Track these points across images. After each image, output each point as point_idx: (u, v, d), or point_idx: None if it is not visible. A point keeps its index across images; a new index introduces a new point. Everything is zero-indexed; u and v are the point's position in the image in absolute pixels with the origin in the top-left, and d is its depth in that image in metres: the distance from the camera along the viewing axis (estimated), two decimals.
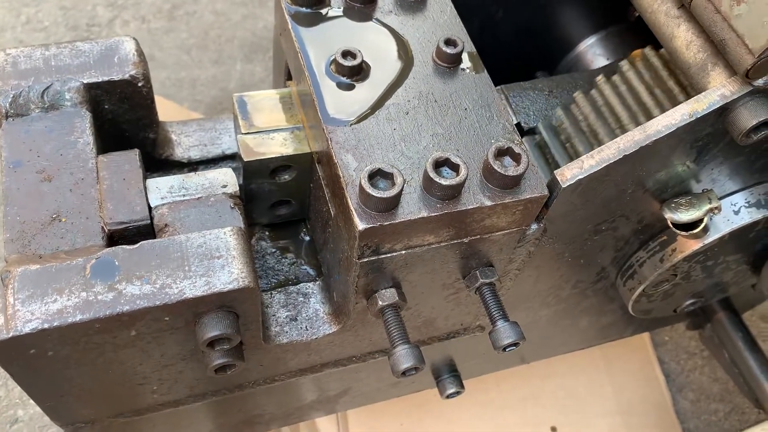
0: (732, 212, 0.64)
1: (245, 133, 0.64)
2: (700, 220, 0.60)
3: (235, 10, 1.49)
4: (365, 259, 0.54)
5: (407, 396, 0.95)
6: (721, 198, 0.65)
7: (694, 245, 0.64)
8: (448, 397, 0.86)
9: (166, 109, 1.19)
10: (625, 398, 1.08)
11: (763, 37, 0.46)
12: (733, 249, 0.68)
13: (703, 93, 0.51)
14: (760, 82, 0.49)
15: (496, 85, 0.66)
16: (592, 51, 0.82)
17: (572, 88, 0.68)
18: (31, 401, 0.94)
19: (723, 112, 0.51)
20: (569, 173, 0.54)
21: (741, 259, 0.71)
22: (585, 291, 0.75)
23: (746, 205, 0.64)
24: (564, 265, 0.67)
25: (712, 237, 0.63)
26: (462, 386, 0.85)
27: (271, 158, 0.63)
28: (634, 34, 0.80)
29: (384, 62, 0.61)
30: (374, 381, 0.79)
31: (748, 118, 0.50)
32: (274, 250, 0.71)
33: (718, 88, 0.50)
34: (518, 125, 0.71)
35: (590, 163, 0.53)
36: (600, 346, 1.07)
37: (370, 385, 0.81)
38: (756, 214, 0.63)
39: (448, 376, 0.85)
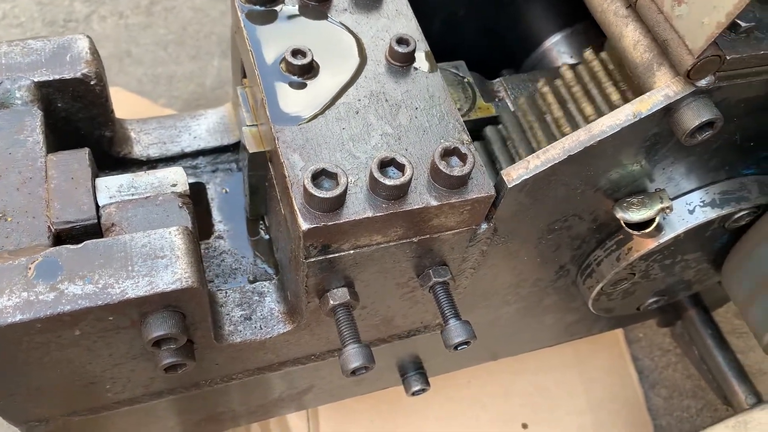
0: (687, 211, 0.64)
1: (250, 125, 0.64)
2: (653, 220, 0.60)
3: (213, 5, 1.49)
4: (312, 259, 0.54)
5: (379, 393, 0.95)
6: (676, 197, 0.65)
7: (650, 244, 0.64)
8: (413, 394, 0.86)
9: (140, 107, 1.19)
10: (597, 395, 1.09)
11: (702, 38, 0.46)
12: (691, 247, 0.68)
13: (647, 93, 0.51)
14: (702, 82, 0.49)
15: None
16: (557, 49, 0.82)
17: (525, 88, 0.68)
18: None
19: (667, 113, 0.51)
20: (515, 173, 0.54)
21: (701, 258, 0.72)
22: (546, 289, 0.75)
23: (701, 204, 0.64)
24: (520, 263, 0.67)
25: (667, 236, 0.63)
26: (427, 383, 0.86)
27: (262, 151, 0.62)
28: (600, 31, 0.80)
29: (337, 61, 0.61)
30: (336, 379, 0.79)
31: (691, 118, 0.50)
32: (232, 247, 0.71)
33: (663, 89, 0.50)
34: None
35: (536, 163, 0.53)
36: (572, 342, 1.07)
37: (333, 383, 0.81)
38: (710, 214, 0.63)
39: (414, 374, 0.85)
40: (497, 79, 0.68)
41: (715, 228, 0.66)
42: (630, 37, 0.54)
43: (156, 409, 0.71)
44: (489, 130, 0.66)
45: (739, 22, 0.47)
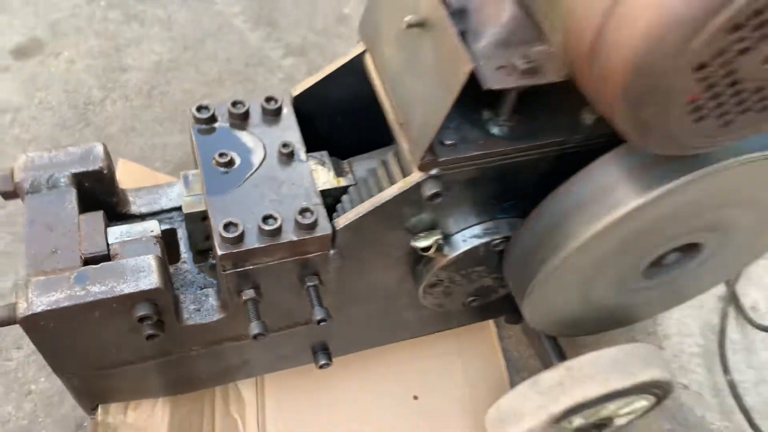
0: (462, 240, 1.05)
1: (186, 196, 1.07)
2: (431, 246, 1.01)
3: (199, 89, 1.93)
4: (228, 272, 0.95)
5: (312, 371, 1.35)
6: (459, 231, 1.05)
7: (441, 261, 1.05)
8: (320, 367, 1.26)
9: (138, 174, 1.62)
10: (472, 376, 1.47)
11: (419, 152, 0.88)
12: (474, 262, 1.09)
13: (408, 177, 0.93)
14: (432, 172, 0.91)
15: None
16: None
17: (366, 166, 1.10)
18: (41, 378, 1.36)
19: (418, 187, 0.93)
20: (342, 221, 0.95)
21: (487, 270, 1.12)
22: (394, 292, 1.16)
23: (471, 236, 1.04)
24: (368, 275, 1.08)
25: (450, 255, 1.04)
26: (330, 359, 1.26)
27: (198, 211, 1.04)
28: None
29: (250, 157, 1.03)
30: (264, 354, 1.20)
31: (426, 191, 0.91)
32: (192, 269, 1.12)
33: (414, 175, 0.92)
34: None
35: (352, 214, 0.95)
36: (455, 333, 1.47)
37: (263, 357, 1.22)
38: (476, 242, 1.04)
39: (321, 353, 1.26)
40: (345, 161, 1.10)
41: (485, 250, 1.06)
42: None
43: (147, 370, 1.12)
44: (344, 197, 1.07)
45: (443, 141, 0.89)
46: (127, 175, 1.54)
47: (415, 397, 1.44)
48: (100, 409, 1.18)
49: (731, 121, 0.71)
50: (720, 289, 1.67)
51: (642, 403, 1.26)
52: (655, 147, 0.76)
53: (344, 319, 1.17)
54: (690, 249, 1.06)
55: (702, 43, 0.59)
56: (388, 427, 1.39)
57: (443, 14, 0.81)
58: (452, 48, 0.79)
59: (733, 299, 1.66)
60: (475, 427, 1.39)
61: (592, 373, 1.13)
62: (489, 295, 1.21)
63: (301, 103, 1.09)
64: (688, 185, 0.85)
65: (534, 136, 0.93)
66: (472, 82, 0.81)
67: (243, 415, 1.34)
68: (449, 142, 0.90)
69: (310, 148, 1.06)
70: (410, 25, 0.85)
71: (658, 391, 1.21)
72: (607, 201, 0.89)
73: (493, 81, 0.84)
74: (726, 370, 1.53)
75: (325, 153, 1.08)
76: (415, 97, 0.89)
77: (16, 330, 1.19)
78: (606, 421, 1.27)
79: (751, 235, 1.10)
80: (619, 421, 1.33)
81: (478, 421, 1.36)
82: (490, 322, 1.53)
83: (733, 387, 1.50)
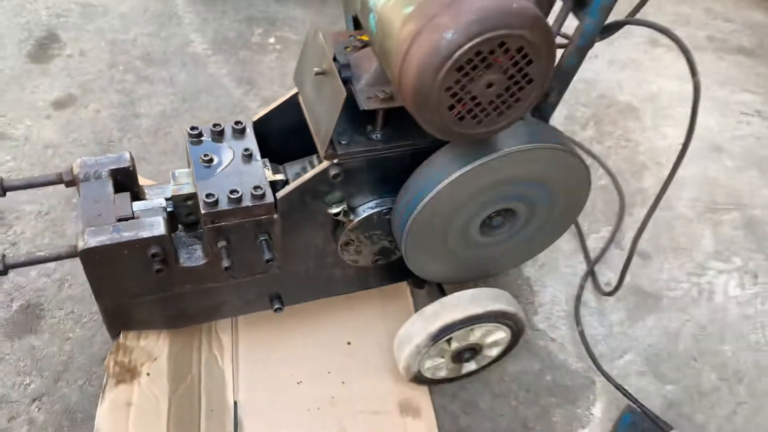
0: (361, 210, 1.61)
1: (173, 185, 1.64)
2: (339, 213, 1.57)
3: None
4: (208, 226, 1.51)
5: (271, 321, 1.89)
6: (362, 204, 1.62)
7: (348, 225, 1.61)
8: (275, 310, 1.79)
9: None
10: (391, 326, 2.00)
11: (323, 147, 1.45)
12: (372, 227, 1.64)
13: (321, 164, 1.50)
14: (334, 161, 1.48)
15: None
16: None
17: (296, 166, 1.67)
18: (77, 329, 1.89)
19: (326, 170, 1.50)
20: (281, 193, 1.51)
21: (383, 234, 1.68)
22: (323, 250, 1.71)
23: (369, 207, 1.61)
24: (303, 235, 1.64)
25: (354, 221, 1.60)
26: (282, 305, 1.80)
27: (181, 194, 1.61)
28: None
29: (223, 158, 1.60)
30: (235, 298, 1.75)
31: (330, 173, 1.48)
32: (185, 236, 1.68)
33: (324, 163, 1.49)
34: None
35: (288, 188, 1.51)
36: (380, 295, 2.01)
37: (234, 300, 1.76)
38: (369, 212, 1.60)
39: (276, 300, 1.80)
40: (281, 165, 1.68)
41: (377, 217, 1.62)
42: None
43: (153, 303, 1.65)
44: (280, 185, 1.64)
45: (340, 141, 1.47)
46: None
47: (349, 343, 1.96)
48: (121, 336, 1.71)
49: (481, 121, 1.29)
50: (583, 270, 2.23)
51: (501, 334, 1.80)
52: (442, 137, 1.33)
53: (290, 273, 1.72)
54: (509, 214, 1.63)
55: (443, 76, 1.17)
56: (327, 363, 1.91)
57: (334, 67, 1.40)
58: (337, 86, 1.38)
59: (592, 276, 2.21)
60: (391, 362, 1.91)
61: (456, 304, 1.68)
62: (389, 255, 1.76)
63: (258, 126, 1.67)
64: (487, 164, 1.43)
65: (398, 140, 1.51)
66: (356, 107, 1.40)
67: (221, 352, 1.87)
68: (344, 142, 1.47)
69: (263, 154, 1.63)
70: (317, 73, 1.45)
71: (510, 322, 1.75)
72: (439, 176, 1.46)
73: (365, 105, 1.43)
74: (578, 323, 2.07)
75: (266, 160, 1.65)
76: (321, 116, 1.48)
77: (57, 296, 1.76)
78: (476, 347, 1.80)
79: (551, 209, 1.66)
80: (490, 352, 1.87)
81: (394, 357, 1.89)
82: (407, 289, 2.07)
83: (582, 336, 2.04)
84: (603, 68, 3.04)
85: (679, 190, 2.52)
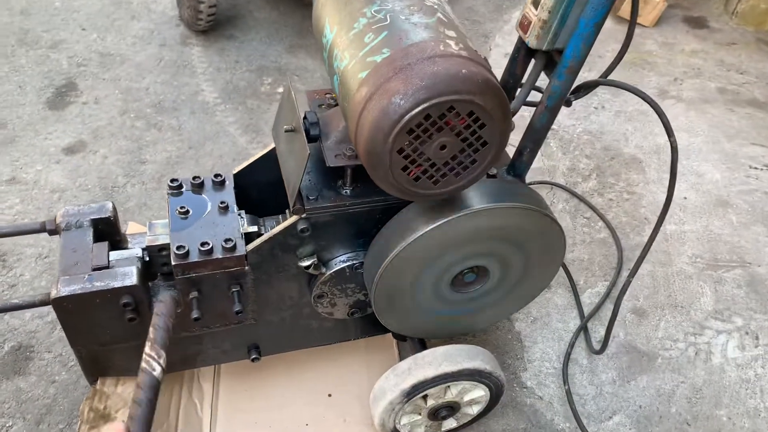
0: (333, 264, 1.62)
1: (149, 236, 1.67)
2: (310, 266, 1.58)
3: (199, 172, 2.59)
4: (179, 277, 1.54)
5: (252, 371, 1.90)
6: (333, 258, 1.63)
7: (320, 278, 1.62)
8: (252, 360, 1.80)
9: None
10: (375, 378, 1.99)
11: (293, 200, 1.48)
12: (345, 281, 1.65)
13: (289, 219, 1.52)
14: (303, 215, 1.50)
15: None
16: None
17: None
18: (63, 372, 1.93)
19: (294, 225, 1.52)
20: (251, 246, 1.54)
21: (357, 287, 1.68)
22: (298, 302, 1.72)
23: (341, 261, 1.62)
24: (276, 287, 1.65)
25: (326, 274, 1.62)
26: (260, 355, 1.80)
27: (156, 245, 1.65)
28: None
29: (200, 210, 1.64)
30: (211, 347, 1.76)
31: (298, 227, 1.50)
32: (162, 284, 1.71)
33: (291, 219, 1.51)
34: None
35: (258, 242, 1.54)
36: (364, 346, 2.00)
37: (210, 350, 1.77)
38: (342, 265, 1.61)
39: (253, 349, 1.81)
40: (261, 218, 1.70)
41: (350, 271, 1.63)
42: None
43: (129, 351, 1.68)
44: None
45: (309, 196, 1.49)
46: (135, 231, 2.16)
47: (329, 395, 1.96)
48: (98, 382, 1.74)
49: (438, 181, 1.30)
50: (577, 326, 2.19)
51: (479, 392, 1.77)
52: (401, 196, 1.34)
53: (265, 323, 1.73)
54: (481, 272, 1.62)
55: (393, 139, 1.19)
56: (305, 415, 1.90)
57: (301, 126, 1.43)
58: (302, 144, 1.41)
59: (584, 333, 2.17)
60: (371, 417, 1.90)
61: (430, 361, 1.67)
62: (365, 308, 1.76)
63: (238, 178, 1.71)
64: (453, 221, 1.43)
65: (368, 195, 1.53)
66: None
67: (201, 399, 1.88)
68: (312, 198, 1.50)
69: (245, 206, 1.67)
70: (287, 131, 1.48)
71: (487, 381, 1.73)
72: (405, 233, 1.47)
73: (332, 161, 1.45)
74: (565, 381, 2.02)
75: (242, 212, 1.68)
76: (291, 171, 1.50)
77: (48, 339, 1.80)
78: (453, 405, 1.77)
79: (525, 268, 1.65)
80: (470, 410, 1.84)
81: None
82: (393, 339, 2.06)
83: (569, 395, 1.99)
84: (609, 120, 3.03)
85: (680, 245, 2.47)
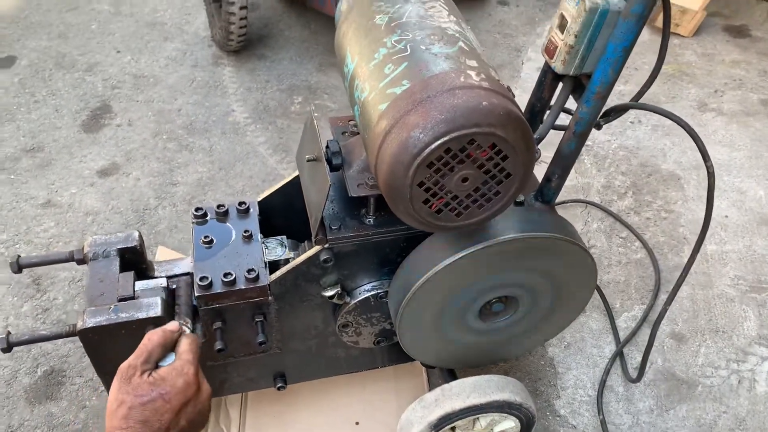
0: (357, 293, 1.60)
1: (156, 267, 1.68)
2: (333, 296, 1.56)
3: (226, 199, 2.60)
4: (203, 308, 1.53)
5: (280, 397, 1.88)
6: (357, 287, 1.61)
7: (344, 307, 1.60)
8: (278, 389, 1.79)
9: (171, 256, 2.26)
10: (403, 406, 1.96)
11: (315, 230, 1.46)
12: (370, 310, 1.62)
13: (312, 248, 1.50)
14: (326, 245, 1.48)
15: None
16: None
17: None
18: (93, 398, 1.94)
19: (317, 254, 1.50)
20: (274, 276, 1.52)
21: (383, 316, 1.66)
22: (323, 331, 1.70)
23: (365, 290, 1.59)
24: (301, 316, 1.64)
25: (350, 303, 1.59)
26: (285, 383, 1.79)
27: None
28: None
29: (224, 238, 1.63)
30: (237, 376, 1.75)
31: (321, 257, 1.48)
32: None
33: (315, 248, 1.49)
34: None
35: (281, 272, 1.52)
36: (393, 373, 1.97)
37: (236, 379, 1.76)
38: (366, 294, 1.59)
39: (279, 378, 1.80)
40: (301, 243, 1.69)
41: (375, 300, 1.60)
42: None
43: None
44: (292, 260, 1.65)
45: (331, 226, 1.47)
46: (164, 257, 2.18)
47: (357, 423, 1.93)
48: None
49: (460, 214, 1.26)
50: (612, 351, 2.12)
51: (509, 423, 1.73)
52: (423, 228, 1.31)
53: (290, 352, 1.72)
54: (510, 302, 1.57)
55: (413, 173, 1.16)
56: None
57: (323, 156, 1.41)
58: (324, 174, 1.39)
59: (620, 359, 2.10)
60: None
61: (458, 392, 1.63)
62: (391, 337, 1.73)
63: (263, 205, 1.70)
64: (479, 252, 1.39)
65: (392, 224, 1.50)
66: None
67: (228, 425, 1.87)
68: (335, 227, 1.48)
69: (275, 233, 1.66)
70: (309, 160, 1.47)
71: (517, 412, 1.68)
72: (429, 262, 1.43)
73: (354, 191, 1.43)
74: (600, 411, 1.96)
75: (284, 237, 1.67)
76: (313, 201, 1.49)
77: (79, 363, 1.81)
78: None
79: (555, 298, 1.60)
80: None
81: None
82: (422, 367, 2.02)
83: (604, 425, 1.93)
84: (646, 135, 2.95)
85: (722, 266, 2.38)
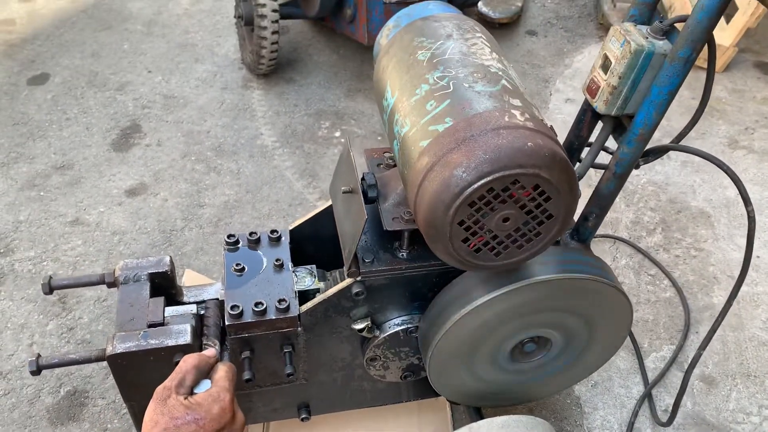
0: (387, 327, 1.58)
1: (185, 292, 1.67)
2: (364, 328, 1.54)
3: (252, 222, 2.61)
4: (232, 337, 1.52)
5: (303, 426, 1.86)
6: (387, 320, 1.59)
7: (373, 341, 1.58)
8: (302, 419, 1.77)
9: (198, 280, 2.26)
10: None
11: (348, 263, 1.45)
12: (399, 344, 1.61)
13: (344, 281, 1.49)
14: (358, 278, 1.47)
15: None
16: None
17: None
18: (115, 420, 1.93)
19: (349, 287, 1.48)
20: (304, 307, 1.51)
21: (412, 351, 1.64)
22: (350, 363, 1.68)
23: (393, 324, 1.58)
24: (328, 348, 1.62)
25: (380, 337, 1.57)
26: (309, 414, 1.77)
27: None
28: None
29: (256, 267, 1.62)
30: (262, 405, 1.73)
31: (352, 290, 1.47)
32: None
33: (347, 281, 1.48)
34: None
35: (312, 303, 1.51)
36: (416, 408, 1.95)
37: (261, 408, 1.75)
38: (396, 328, 1.57)
39: (303, 409, 1.78)
40: (329, 272, 1.68)
41: (404, 334, 1.58)
42: None
43: None
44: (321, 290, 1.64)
45: (364, 259, 1.45)
46: (191, 281, 2.18)
47: None
48: None
49: (499, 253, 1.24)
50: (640, 392, 2.08)
51: None
52: (460, 267, 1.29)
53: (316, 383, 1.70)
54: (543, 342, 1.55)
55: (455, 211, 1.15)
56: None
57: (359, 189, 1.41)
58: (360, 206, 1.38)
59: (648, 401, 2.05)
60: None
61: None
62: (419, 372, 1.71)
63: (294, 234, 1.70)
64: (514, 292, 1.38)
65: (425, 260, 1.49)
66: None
67: None
68: (368, 260, 1.46)
69: (303, 261, 1.65)
70: (344, 192, 1.46)
71: None
72: (463, 301, 1.42)
73: (389, 225, 1.42)
74: None
75: (313, 266, 1.66)
76: (347, 233, 1.48)
77: (102, 385, 1.80)
78: None
79: (589, 339, 1.57)
80: None
81: None
82: (446, 402, 1.99)
83: None
84: (675, 171, 2.92)
85: (753, 308, 2.34)
